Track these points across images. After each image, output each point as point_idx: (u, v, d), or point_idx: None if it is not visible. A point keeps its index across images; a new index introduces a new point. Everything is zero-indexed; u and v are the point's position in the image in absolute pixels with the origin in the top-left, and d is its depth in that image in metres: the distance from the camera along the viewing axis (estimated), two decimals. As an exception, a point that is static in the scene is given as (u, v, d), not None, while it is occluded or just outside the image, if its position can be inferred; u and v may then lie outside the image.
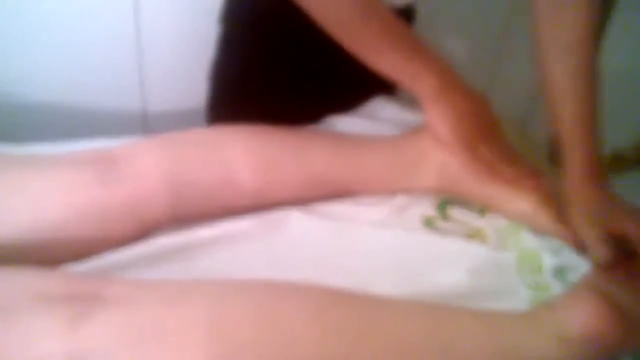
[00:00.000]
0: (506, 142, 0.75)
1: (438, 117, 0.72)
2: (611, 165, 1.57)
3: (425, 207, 0.75)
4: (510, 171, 0.73)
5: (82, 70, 1.07)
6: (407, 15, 0.94)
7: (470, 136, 0.72)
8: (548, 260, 0.68)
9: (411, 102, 0.93)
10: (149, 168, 0.64)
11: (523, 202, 0.72)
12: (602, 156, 0.72)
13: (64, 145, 0.78)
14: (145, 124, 1.17)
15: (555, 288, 0.65)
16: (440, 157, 0.74)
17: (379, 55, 0.70)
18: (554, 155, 1.44)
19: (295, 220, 0.69)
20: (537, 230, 0.72)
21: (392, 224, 0.72)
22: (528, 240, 0.71)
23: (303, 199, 0.72)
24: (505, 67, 1.36)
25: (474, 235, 0.72)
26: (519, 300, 0.64)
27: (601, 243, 0.65)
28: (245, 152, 0.69)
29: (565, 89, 0.72)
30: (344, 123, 0.90)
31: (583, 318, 0.51)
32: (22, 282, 0.47)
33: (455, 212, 0.75)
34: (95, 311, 0.45)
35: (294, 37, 0.84)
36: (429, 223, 0.73)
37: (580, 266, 0.68)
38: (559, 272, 0.67)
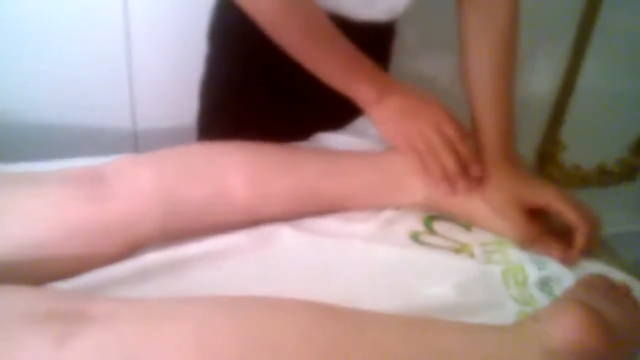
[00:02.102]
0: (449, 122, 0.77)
1: (377, 121, 0.78)
2: (597, 179, 1.59)
3: (412, 222, 0.76)
4: (465, 152, 0.75)
5: (72, 89, 1.08)
6: (387, 31, 0.96)
7: (402, 125, 0.76)
8: (533, 274, 0.69)
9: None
10: (139, 184, 0.65)
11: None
12: (513, 136, 0.78)
13: (54, 163, 0.78)
14: (135, 141, 1.18)
15: (541, 301, 0.66)
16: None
17: (329, 74, 0.77)
18: (539, 166, 1.46)
19: (285, 236, 0.70)
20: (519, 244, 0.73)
21: (380, 238, 0.72)
22: (513, 254, 0.72)
23: (293, 214, 0.73)
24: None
25: (460, 249, 0.72)
26: (505, 314, 0.65)
27: (521, 219, 0.71)
28: (238, 167, 0.70)
29: (481, 73, 0.79)
30: (332, 139, 0.91)
31: (567, 329, 0.52)
32: (9, 300, 0.47)
33: (442, 227, 0.76)
34: (81, 329, 0.45)
35: (279, 55, 0.85)
36: (415, 237, 0.73)
37: (565, 278, 0.69)
38: (545, 284, 0.68)
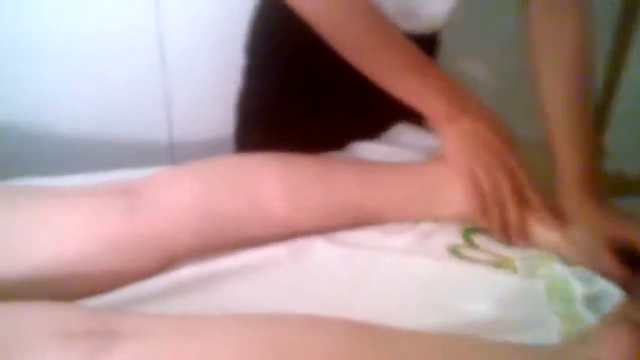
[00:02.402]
0: (525, 164, 0.73)
1: (445, 140, 0.73)
2: (614, 187, 1.53)
3: (451, 235, 0.74)
4: (536, 199, 0.71)
5: (109, 103, 1.09)
6: (431, 42, 0.94)
7: (473, 158, 0.71)
8: (579, 290, 0.66)
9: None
10: (174, 197, 0.64)
11: (551, 233, 0.71)
12: (596, 169, 0.73)
13: (90, 177, 0.79)
14: (172, 154, 1.18)
15: (588, 318, 0.63)
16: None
17: (393, 80, 0.72)
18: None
19: (319, 249, 0.68)
20: (567, 260, 0.70)
21: (416, 251, 0.70)
22: (558, 269, 0.69)
23: (329, 227, 0.71)
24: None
25: (501, 264, 0.70)
26: (549, 331, 0.62)
27: (613, 261, 0.66)
28: (274, 179, 0.69)
29: (560, 99, 0.74)
30: (367, 149, 0.90)
31: (617, 352, 0.49)
32: (40, 318, 0.47)
33: (482, 240, 0.74)
34: (113, 345, 0.44)
35: (316, 66, 0.84)
36: (454, 251, 0.71)
37: (612, 295, 0.65)
38: (591, 301, 0.65)
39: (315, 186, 0.70)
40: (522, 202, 0.72)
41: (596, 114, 1.42)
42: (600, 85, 1.37)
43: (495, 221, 0.71)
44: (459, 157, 0.72)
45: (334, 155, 0.86)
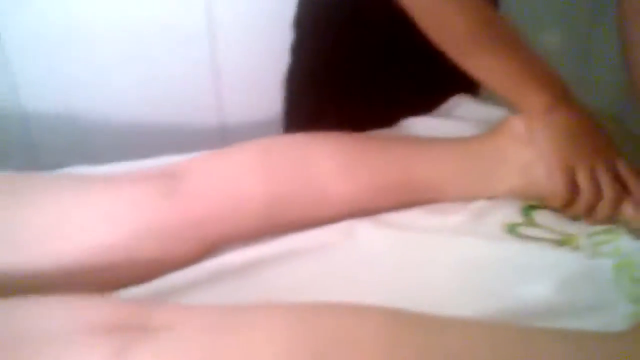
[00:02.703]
0: (623, 163, 0.67)
1: (543, 135, 0.67)
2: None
3: (508, 213, 0.69)
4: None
5: (158, 87, 1.09)
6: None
7: (572, 153, 0.66)
8: (651, 268, 0.60)
9: (491, 98, 0.88)
10: (214, 181, 0.63)
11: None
12: None
13: (139, 163, 0.79)
14: (224, 136, 1.18)
15: (661, 300, 0.57)
16: (523, 156, 0.68)
17: (489, 72, 0.69)
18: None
19: (365, 232, 0.65)
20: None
21: (470, 232, 0.66)
22: (628, 246, 0.63)
23: (383, 207, 0.68)
24: (597, 58, 1.25)
25: (564, 242, 0.65)
26: (617, 316, 0.57)
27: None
28: (328, 158, 0.67)
29: None
30: (421, 125, 0.86)
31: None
32: (71, 311, 0.46)
33: (543, 217, 0.68)
34: (141, 341, 0.43)
35: (365, 40, 0.81)
36: (512, 230, 0.66)
37: (692, 274, 0.59)
38: (665, 281, 0.59)
39: (370, 165, 0.67)
40: (622, 198, 0.66)
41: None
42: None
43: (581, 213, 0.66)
44: (557, 151, 0.67)
45: (385, 132, 0.83)
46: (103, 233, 0.58)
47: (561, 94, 0.67)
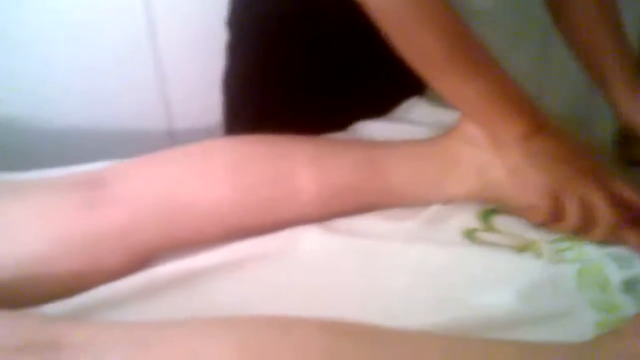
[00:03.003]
0: (619, 183, 0.63)
1: (524, 162, 0.62)
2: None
3: (466, 218, 0.65)
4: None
5: (101, 92, 1.03)
6: None
7: (560, 182, 0.61)
8: (615, 274, 0.57)
9: (443, 101, 0.85)
10: (142, 187, 0.58)
11: None
12: None
13: (69, 169, 0.72)
14: (172, 142, 1.12)
15: (627, 307, 0.54)
16: (478, 158, 0.65)
17: (462, 96, 0.63)
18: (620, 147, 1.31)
19: (312, 239, 0.60)
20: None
21: (426, 238, 0.62)
22: (591, 252, 0.60)
23: (324, 216, 0.63)
24: (555, 64, 1.24)
25: (525, 248, 0.61)
26: (582, 323, 0.53)
27: None
28: (245, 163, 0.61)
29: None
30: (374, 128, 0.82)
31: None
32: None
33: (503, 222, 0.65)
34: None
35: (306, 37, 0.76)
36: (470, 236, 0.63)
37: (656, 279, 0.56)
38: (630, 287, 0.56)
39: (307, 170, 0.63)
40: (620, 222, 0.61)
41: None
42: None
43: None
44: (540, 178, 0.62)
45: (333, 136, 0.78)
46: (17, 244, 0.52)
47: (538, 119, 0.63)
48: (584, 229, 0.60)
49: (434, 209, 0.65)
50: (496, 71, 0.62)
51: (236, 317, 0.44)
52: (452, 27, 0.60)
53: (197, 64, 1.04)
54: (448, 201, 0.67)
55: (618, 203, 0.60)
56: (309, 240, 0.61)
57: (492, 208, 0.66)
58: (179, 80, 1.06)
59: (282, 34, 0.76)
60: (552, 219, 0.61)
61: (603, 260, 0.58)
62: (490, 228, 0.64)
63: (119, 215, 0.55)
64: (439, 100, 0.87)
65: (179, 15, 1.01)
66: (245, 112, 0.83)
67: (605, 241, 0.60)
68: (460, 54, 0.60)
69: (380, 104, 0.84)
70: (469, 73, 0.61)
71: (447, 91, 0.63)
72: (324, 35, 0.76)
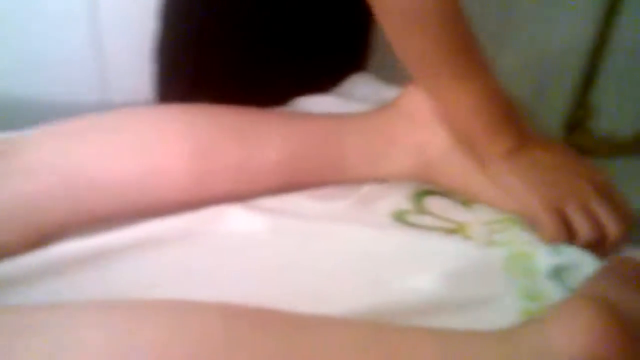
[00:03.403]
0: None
1: (507, 174, 0.59)
2: (634, 147, 1.42)
3: (398, 199, 0.63)
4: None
5: (32, 61, 0.98)
6: None
7: (561, 196, 0.57)
8: (544, 260, 0.55)
9: (389, 78, 0.82)
10: (47, 158, 0.53)
11: None
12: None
13: None
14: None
15: (553, 295, 0.52)
16: (414, 135, 0.62)
17: (453, 101, 0.59)
18: (567, 134, 1.31)
19: (234, 218, 0.57)
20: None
21: (355, 219, 0.59)
22: (521, 236, 0.58)
23: (247, 194, 0.60)
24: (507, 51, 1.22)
25: (455, 230, 0.59)
26: (508, 311, 0.51)
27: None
28: (178, 136, 0.57)
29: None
30: (315, 104, 0.78)
31: (576, 337, 0.38)
32: None
33: (434, 204, 0.63)
34: None
35: (246, 8, 0.72)
36: (400, 217, 0.60)
37: (585, 266, 0.55)
38: (558, 275, 0.54)
39: (231, 144, 0.59)
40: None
41: (585, 68, 1.30)
42: (591, 36, 1.25)
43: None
44: (537, 193, 0.57)
45: (269, 110, 0.75)
46: None
47: (524, 132, 0.59)
48: (595, 240, 0.57)
49: (365, 189, 0.63)
50: (489, 81, 0.58)
51: (120, 301, 0.41)
52: (457, 29, 0.56)
53: (135, 32, 0.99)
54: (382, 180, 0.64)
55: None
56: (231, 220, 0.57)
57: (425, 189, 0.64)
58: (116, 47, 1.01)
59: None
60: (563, 234, 0.57)
61: (533, 246, 0.56)
62: (421, 210, 0.62)
63: (20, 188, 0.51)
64: (384, 77, 0.84)
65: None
66: (178, 82, 0.79)
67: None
68: (459, 58, 0.57)
69: (323, 79, 0.81)
70: (462, 81, 0.57)
71: (438, 94, 0.59)
72: (263, 3, 0.72)
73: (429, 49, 0.56)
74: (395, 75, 0.81)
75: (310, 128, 0.63)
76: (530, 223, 0.59)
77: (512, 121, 0.59)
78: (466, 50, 0.57)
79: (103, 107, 1.04)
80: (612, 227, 0.56)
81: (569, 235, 0.56)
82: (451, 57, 0.56)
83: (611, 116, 1.35)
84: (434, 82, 0.59)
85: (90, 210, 0.55)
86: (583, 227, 0.56)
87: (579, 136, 1.36)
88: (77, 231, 0.54)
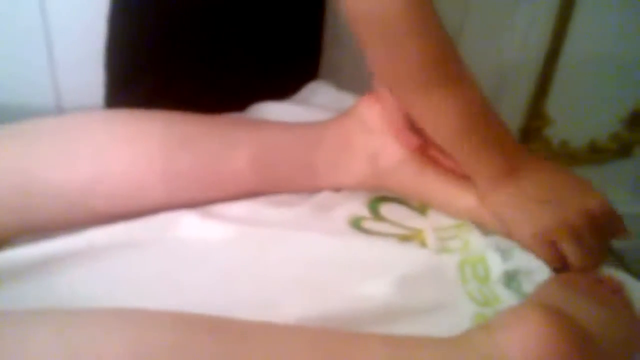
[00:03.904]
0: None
1: (503, 205, 0.57)
2: (588, 156, 1.46)
3: (355, 206, 0.62)
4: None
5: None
6: None
7: (552, 226, 0.55)
8: (497, 266, 0.55)
9: (348, 86, 0.82)
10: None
11: (468, 198, 0.60)
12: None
13: None
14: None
15: (506, 300, 0.53)
16: (370, 144, 0.62)
17: (443, 124, 0.56)
18: (523, 143, 1.33)
19: (187, 225, 0.56)
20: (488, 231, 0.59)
21: (312, 226, 0.59)
22: (475, 242, 0.58)
23: (200, 200, 0.59)
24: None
25: (409, 236, 0.59)
26: (461, 316, 0.52)
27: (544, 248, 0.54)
28: (121, 141, 0.56)
29: None
30: (273, 110, 0.78)
31: (524, 343, 0.39)
32: None
33: (390, 211, 0.63)
34: None
35: (199, 12, 0.71)
36: (356, 224, 0.60)
37: (538, 272, 0.55)
38: (512, 280, 0.55)
39: (185, 150, 0.58)
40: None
41: (539, 79, 1.32)
42: (544, 47, 1.28)
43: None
44: (528, 222, 0.56)
45: (226, 116, 0.74)
46: None
47: (520, 155, 0.57)
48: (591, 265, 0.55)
49: (321, 196, 0.63)
50: (481, 101, 0.56)
51: (71, 310, 0.39)
52: (439, 46, 0.53)
53: (86, 36, 0.97)
54: (338, 188, 0.64)
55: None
56: (185, 227, 0.56)
57: (381, 196, 0.64)
58: (68, 51, 0.98)
59: (166, 3, 0.71)
60: (558, 263, 0.55)
61: (486, 251, 0.57)
62: (376, 216, 0.62)
63: None
64: (342, 85, 0.85)
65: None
66: (127, 91, 0.77)
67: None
68: (435, 73, 0.54)
69: (279, 86, 0.80)
70: (449, 99, 0.54)
71: (422, 113, 0.56)
72: (217, 8, 0.71)
73: (404, 65, 0.54)
74: (345, 82, 0.82)
75: (278, 136, 0.62)
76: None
77: (501, 142, 0.56)
78: (446, 65, 0.54)
79: (54, 111, 1.02)
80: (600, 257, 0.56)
81: (562, 265, 0.55)
82: (426, 72, 0.54)
83: (566, 126, 1.38)
84: (413, 99, 0.56)
85: (41, 216, 0.53)
86: (576, 258, 0.55)
87: (534, 145, 1.38)
88: (26, 238, 0.52)
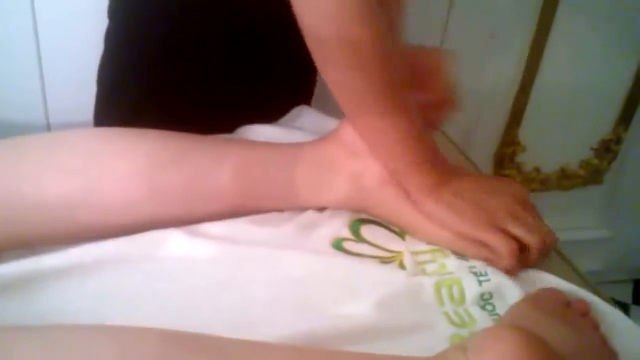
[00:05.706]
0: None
1: (442, 206, 0.62)
2: (559, 183, 1.50)
3: (337, 226, 0.64)
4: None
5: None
6: None
7: (494, 213, 0.61)
8: (472, 288, 0.58)
9: (333, 110, 0.84)
10: None
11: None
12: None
13: None
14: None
15: (481, 321, 0.55)
16: (352, 166, 0.64)
17: (381, 133, 0.62)
18: (496, 169, 1.37)
19: (174, 244, 0.58)
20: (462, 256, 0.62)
21: (295, 246, 0.61)
22: (451, 264, 0.61)
23: (186, 218, 0.61)
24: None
25: (389, 259, 0.61)
26: (437, 337, 0.54)
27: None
28: (112, 157, 0.58)
29: None
30: (259, 132, 0.80)
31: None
32: None
33: (371, 232, 0.65)
34: None
35: (193, 32, 0.73)
36: (338, 245, 0.62)
37: (511, 293, 0.58)
38: (486, 301, 0.57)
39: (171, 167, 0.60)
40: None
41: (512, 107, 1.37)
42: (518, 77, 1.33)
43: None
44: (462, 208, 0.61)
45: (213, 136, 0.75)
46: None
47: (448, 168, 0.64)
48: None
49: (305, 216, 0.64)
50: (415, 116, 0.61)
51: (57, 326, 0.40)
52: (388, 70, 0.59)
53: (78, 56, 0.98)
54: (322, 207, 0.66)
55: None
56: (170, 245, 0.58)
57: (361, 218, 0.66)
58: (59, 72, 0.99)
59: (162, 25, 0.73)
60: (514, 250, 0.60)
61: (461, 273, 0.59)
62: (358, 238, 0.64)
63: None
64: (326, 109, 0.87)
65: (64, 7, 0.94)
66: (117, 107, 0.78)
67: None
68: (388, 99, 0.60)
69: (267, 109, 0.83)
70: (389, 110, 0.60)
71: (365, 132, 0.63)
72: (210, 29, 0.73)
73: (352, 91, 0.60)
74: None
75: (260, 152, 0.64)
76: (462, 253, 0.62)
77: (432, 161, 0.62)
78: (393, 90, 0.59)
79: (43, 128, 1.03)
80: (549, 236, 0.61)
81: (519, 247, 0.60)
82: (371, 100, 0.59)
83: (538, 153, 1.43)
84: (360, 120, 0.62)
85: (26, 229, 0.54)
86: (532, 238, 0.60)
87: (508, 171, 1.43)
88: (12, 254, 0.53)
